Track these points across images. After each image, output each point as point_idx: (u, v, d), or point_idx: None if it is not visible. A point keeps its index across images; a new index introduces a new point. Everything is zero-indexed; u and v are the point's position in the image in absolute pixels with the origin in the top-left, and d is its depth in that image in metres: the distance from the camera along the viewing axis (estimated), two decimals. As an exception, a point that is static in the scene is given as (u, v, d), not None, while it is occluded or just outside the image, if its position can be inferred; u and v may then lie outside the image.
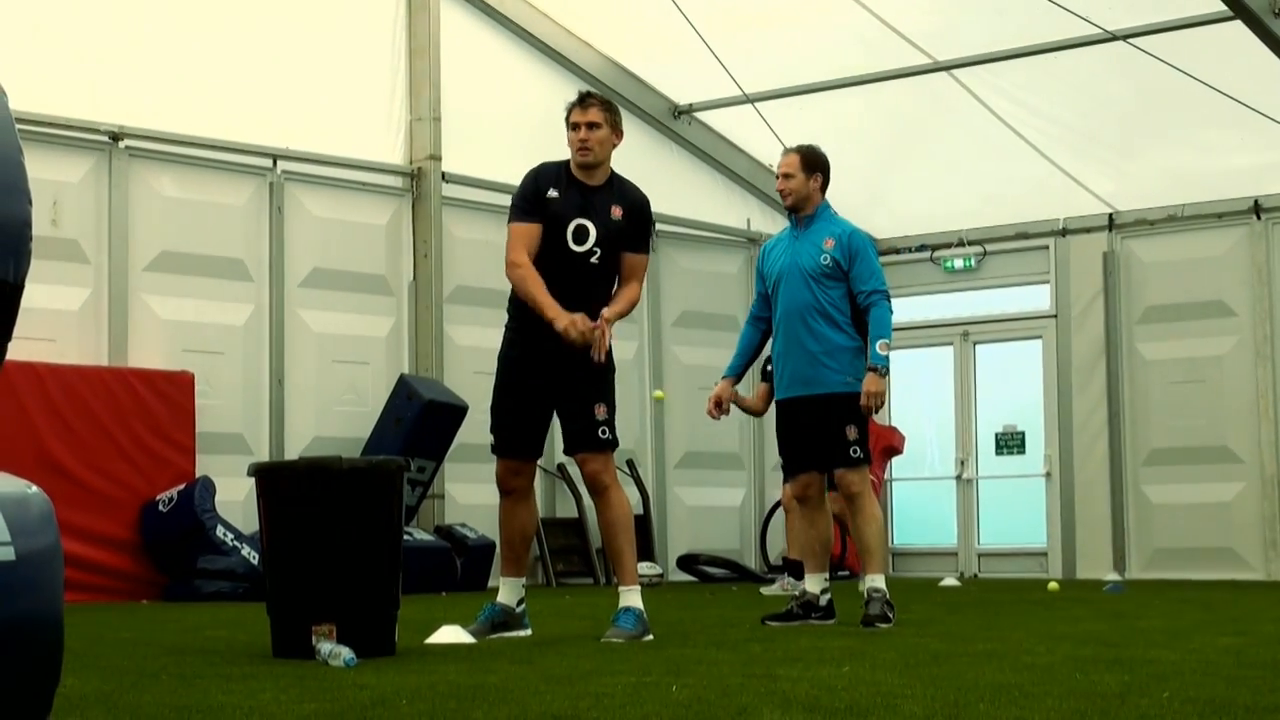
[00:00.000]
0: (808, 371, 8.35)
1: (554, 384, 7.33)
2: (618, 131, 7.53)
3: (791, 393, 8.46)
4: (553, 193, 7.40)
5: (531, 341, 7.37)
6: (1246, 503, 14.93)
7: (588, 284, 7.34)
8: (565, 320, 7.10)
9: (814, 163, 8.51)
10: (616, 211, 7.38)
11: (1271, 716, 4.27)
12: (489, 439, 7.51)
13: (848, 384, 8.25)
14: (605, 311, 7.27)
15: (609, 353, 7.38)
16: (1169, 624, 8.40)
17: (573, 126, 7.47)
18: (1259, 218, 14.97)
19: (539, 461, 7.77)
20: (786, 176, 8.50)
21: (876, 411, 8.32)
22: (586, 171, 7.44)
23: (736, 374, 8.80)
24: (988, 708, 4.48)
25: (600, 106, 7.48)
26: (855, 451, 8.33)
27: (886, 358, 8.21)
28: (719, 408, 8.70)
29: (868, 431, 8.42)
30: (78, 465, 11.38)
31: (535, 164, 7.56)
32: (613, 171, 7.52)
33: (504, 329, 7.54)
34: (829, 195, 8.50)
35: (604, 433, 7.35)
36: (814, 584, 8.50)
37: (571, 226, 7.31)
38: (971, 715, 4.33)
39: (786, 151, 8.65)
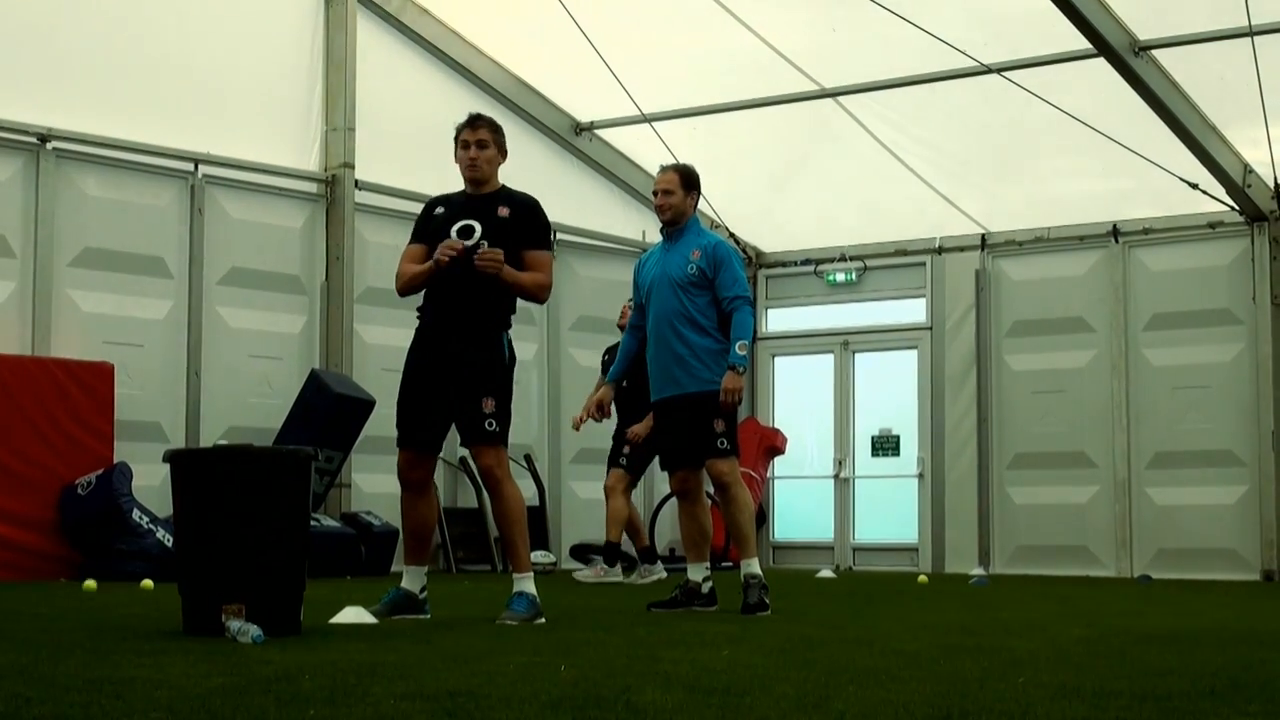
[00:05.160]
0: (676, 372, 8.39)
1: (448, 381, 7.31)
2: (503, 151, 7.57)
3: (663, 393, 8.51)
4: (440, 209, 7.49)
5: (431, 341, 7.38)
6: (1100, 504, 15.12)
7: (475, 277, 7.27)
8: (436, 258, 7.23)
9: (691, 181, 8.61)
10: (503, 211, 7.40)
11: (1115, 700, 4.35)
12: (395, 432, 7.50)
13: (713, 382, 8.29)
14: (497, 255, 7.25)
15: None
16: (1026, 615, 8.51)
17: (463, 145, 7.50)
18: (1117, 241, 15.17)
19: (442, 455, 7.73)
20: (667, 193, 8.55)
21: (737, 405, 8.35)
22: (475, 186, 7.49)
23: (617, 379, 8.85)
24: (856, 689, 4.53)
25: (488, 128, 7.53)
26: (723, 443, 8.37)
27: (745, 357, 8.28)
28: (600, 410, 8.76)
29: (735, 425, 8.46)
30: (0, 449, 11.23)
31: (443, 172, 7.59)
32: (502, 184, 7.54)
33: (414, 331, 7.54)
34: (720, 212, 8.54)
35: (490, 425, 7.30)
36: (696, 573, 8.55)
37: (457, 226, 7.32)
38: (840, 696, 4.37)
39: (665, 169, 8.68)
